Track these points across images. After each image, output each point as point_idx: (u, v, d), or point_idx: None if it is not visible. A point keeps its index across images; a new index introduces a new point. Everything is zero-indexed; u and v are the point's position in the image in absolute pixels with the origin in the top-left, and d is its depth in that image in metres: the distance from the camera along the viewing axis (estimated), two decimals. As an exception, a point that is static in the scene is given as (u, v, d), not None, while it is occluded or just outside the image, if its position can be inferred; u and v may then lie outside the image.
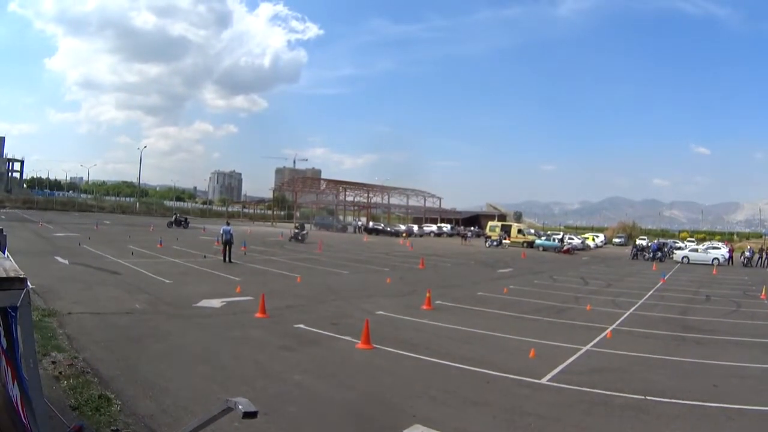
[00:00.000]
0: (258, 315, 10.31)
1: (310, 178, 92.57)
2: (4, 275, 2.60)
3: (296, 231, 36.52)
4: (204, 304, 11.36)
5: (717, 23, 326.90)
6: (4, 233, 7.31)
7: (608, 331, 10.77)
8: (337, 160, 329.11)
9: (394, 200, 78.66)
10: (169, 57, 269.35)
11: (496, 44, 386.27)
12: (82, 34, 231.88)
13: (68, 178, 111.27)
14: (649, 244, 44.36)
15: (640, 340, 10.27)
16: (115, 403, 5.37)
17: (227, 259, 19.46)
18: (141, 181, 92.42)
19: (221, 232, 20.14)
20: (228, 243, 19.64)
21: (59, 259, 17.41)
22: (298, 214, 77.04)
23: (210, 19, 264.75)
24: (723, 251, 39.30)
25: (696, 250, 39.69)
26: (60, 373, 6.09)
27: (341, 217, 73.33)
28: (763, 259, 37.79)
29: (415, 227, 65.92)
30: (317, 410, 5.83)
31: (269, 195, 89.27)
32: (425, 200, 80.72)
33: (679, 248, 43.44)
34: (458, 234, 60.29)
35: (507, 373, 7.41)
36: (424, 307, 12.34)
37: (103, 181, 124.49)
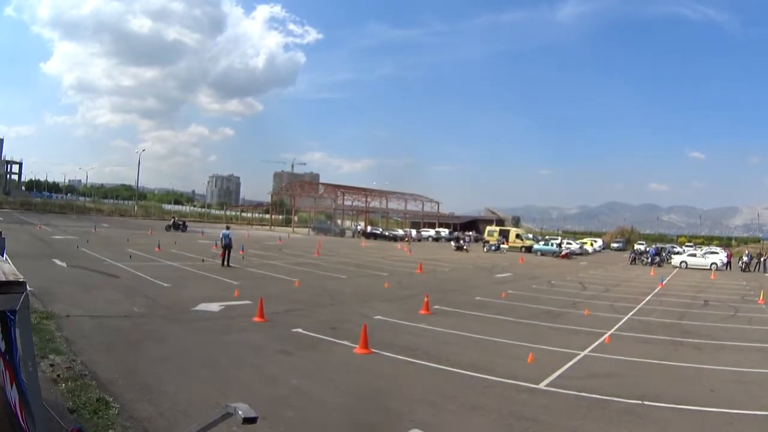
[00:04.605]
0: (256, 319, 10.30)
1: (309, 183, 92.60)
2: (4, 279, 2.61)
3: (458, 241, 45.34)
4: (202, 307, 11.34)
5: (715, 28, 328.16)
6: (3, 236, 7.32)
7: (606, 336, 10.77)
8: (336, 165, 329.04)
9: (393, 205, 78.57)
10: (164, 61, 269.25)
11: (494, 49, 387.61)
12: (78, 38, 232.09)
13: (66, 181, 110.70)
14: (648, 249, 44.45)
15: (638, 345, 10.28)
16: (113, 406, 5.37)
17: (226, 263, 19.46)
18: (139, 185, 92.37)
19: (221, 236, 20.20)
20: (227, 247, 19.67)
21: (57, 261, 17.37)
22: (296, 218, 76.96)
23: (205, 23, 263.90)
24: (721, 256, 39.39)
25: (694, 255, 39.77)
26: (58, 375, 6.08)
27: (339, 222, 73.23)
28: (761, 264, 37.87)
29: (414, 232, 65.89)
30: (315, 415, 5.82)
31: (268, 199, 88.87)
32: (423, 205, 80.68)
33: (678, 253, 43.54)
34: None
35: (505, 378, 7.42)
36: (422, 311, 12.34)
37: (102, 184, 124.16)
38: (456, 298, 15.21)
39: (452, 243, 45.34)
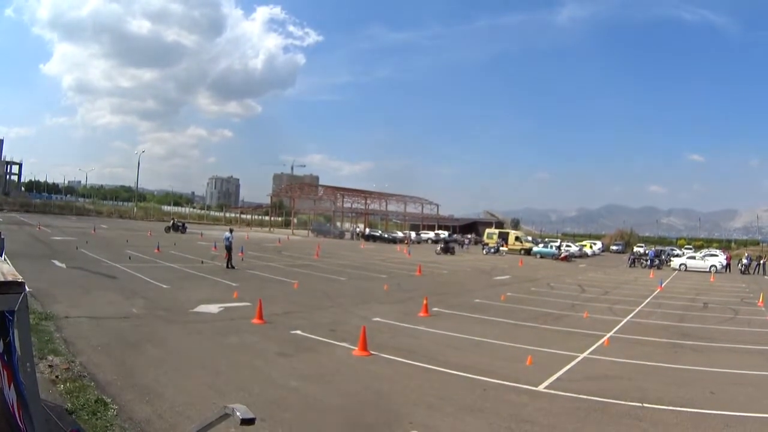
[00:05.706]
0: (255, 321, 10.29)
1: (308, 185, 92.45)
2: (2, 279, 2.60)
3: (443, 246, 41.86)
4: (201, 309, 11.34)
5: (714, 31, 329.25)
6: (2, 236, 7.32)
7: (605, 338, 10.78)
8: (335, 167, 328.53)
9: (392, 207, 78.49)
10: (163, 62, 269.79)
11: (494, 52, 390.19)
12: (77, 39, 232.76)
13: (66, 182, 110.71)
14: (647, 252, 44.43)
15: (637, 347, 10.27)
16: (112, 407, 5.37)
17: (228, 264, 19.48)
18: (138, 186, 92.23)
19: (224, 238, 20.25)
20: (228, 249, 19.72)
21: (56, 262, 17.36)
22: (295, 220, 76.94)
23: (204, 25, 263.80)
24: (720, 258, 39.33)
25: (693, 258, 39.72)
26: (57, 376, 6.08)
27: (339, 224, 73.21)
28: (761, 266, 37.85)
29: (413, 234, 65.86)
30: (313, 416, 5.82)
31: (267, 201, 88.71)
32: (423, 207, 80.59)
33: (677, 255, 43.47)
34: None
35: (504, 380, 7.41)
36: (421, 314, 12.33)
37: (101, 186, 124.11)
38: (455, 301, 15.20)
39: (438, 246, 41.79)
